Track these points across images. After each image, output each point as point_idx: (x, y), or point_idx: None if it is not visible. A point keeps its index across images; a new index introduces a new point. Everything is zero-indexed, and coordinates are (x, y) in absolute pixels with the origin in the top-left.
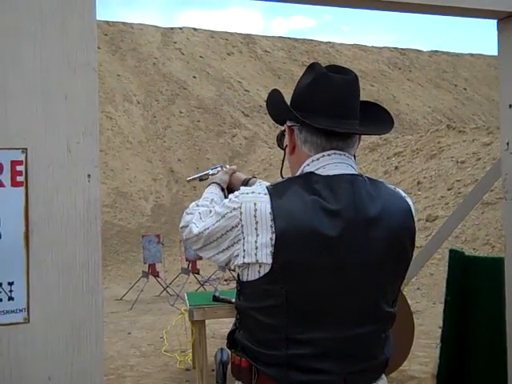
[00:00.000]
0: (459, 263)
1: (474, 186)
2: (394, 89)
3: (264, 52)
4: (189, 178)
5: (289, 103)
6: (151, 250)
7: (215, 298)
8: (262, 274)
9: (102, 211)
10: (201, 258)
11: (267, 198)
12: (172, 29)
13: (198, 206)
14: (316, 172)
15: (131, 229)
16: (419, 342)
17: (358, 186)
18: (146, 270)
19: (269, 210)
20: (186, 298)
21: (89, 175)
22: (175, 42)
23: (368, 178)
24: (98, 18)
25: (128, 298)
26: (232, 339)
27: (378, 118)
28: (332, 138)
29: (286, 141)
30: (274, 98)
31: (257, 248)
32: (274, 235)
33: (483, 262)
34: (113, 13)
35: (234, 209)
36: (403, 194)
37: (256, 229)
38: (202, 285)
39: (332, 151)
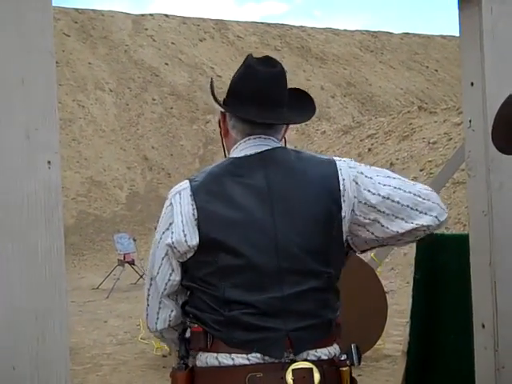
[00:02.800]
0: (427, 241)
1: (444, 165)
2: (366, 71)
3: (236, 37)
4: None
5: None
6: (123, 243)
7: None
8: (195, 249)
9: (76, 201)
10: None
11: (188, 185)
12: (143, 15)
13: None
14: (232, 156)
15: (106, 218)
16: (393, 320)
17: (270, 159)
18: (122, 258)
19: (189, 193)
20: None
21: (49, 162)
22: (146, 29)
23: (293, 150)
24: (67, 5)
25: (104, 286)
26: (184, 310)
27: (303, 106)
28: (256, 126)
29: (221, 125)
30: (211, 90)
31: (183, 225)
32: (195, 211)
33: (450, 240)
34: (83, 1)
35: (168, 205)
36: (335, 159)
37: (181, 211)
38: None
39: (247, 137)
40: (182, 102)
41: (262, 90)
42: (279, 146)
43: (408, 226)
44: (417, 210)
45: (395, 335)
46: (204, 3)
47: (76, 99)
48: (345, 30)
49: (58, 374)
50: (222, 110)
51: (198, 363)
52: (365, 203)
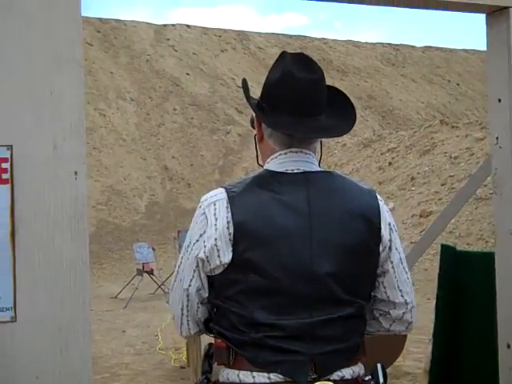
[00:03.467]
0: (451, 258)
1: (467, 180)
2: (387, 85)
3: (258, 48)
4: None
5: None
6: (143, 252)
7: None
8: (225, 266)
9: (96, 209)
10: None
11: (224, 195)
12: (165, 25)
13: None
14: (272, 169)
15: (126, 226)
16: (413, 337)
17: (313, 182)
18: (141, 268)
19: (225, 205)
20: None
21: (75, 172)
22: (168, 39)
23: (331, 172)
24: (90, 15)
25: (123, 295)
26: (208, 326)
27: (343, 114)
28: (295, 137)
29: (256, 129)
30: (244, 90)
31: (216, 239)
32: (231, 226)
33: (474, 257)
34: (106, 10)
35: (201, 214)
36: (370, 189)
37: (215, 224)
38: None
39: (289, 150)
40: (202, 112)
41: (302, 100)
42: (324, 170)
43: (400, 300)
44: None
45: (415, 352)
46: (225, 14)
47: (97, 108)
48: (366, 43)
49: None
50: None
51: (221, 378)
52: (391, 253)
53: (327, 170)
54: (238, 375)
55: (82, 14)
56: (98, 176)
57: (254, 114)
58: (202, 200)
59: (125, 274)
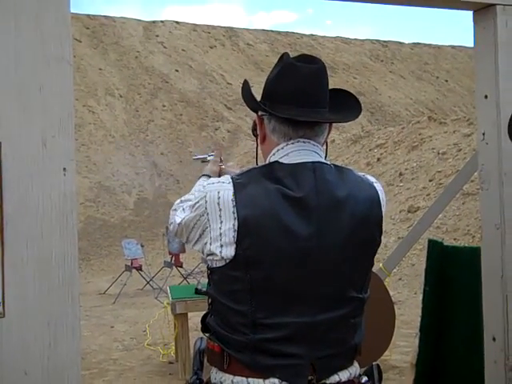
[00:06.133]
0: (438, 253)
1: (454, 176)
2: (376, 81)
3: (247, 45)
4: (194, 157)
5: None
6: (131, 249)
7: (197, 291)
8: (227, 261)
9: (84, 205)
10: (184, 252)
11: (230, 186)
12: (154, 22)
13: (181, 201)
14: (279, 161)
15: (114, 223)
16: (400, 331)
17: (320, 173)
18: (129, 264)
19: (231, 197)
20: (169, 291)
21: (64, 169)
22: (157, 36)
23: (334, 165)
24: (79, 11)
25: (111, 291)
26: (205, 323)
27: (347, 105)
28: (299, 127)
29: (258, 129)
30: (245, 90)
31: (221, 234)
32: (236, 222)
33: (461, 252)
34: (94, 7)
35: (201, 198)
36: (372, 180)
37: (220, 216)
38: (185, 278)
39: (296, 140)
40: (191, 108)
41: (303, 89)
42: (326, 162)
43: None
44: None
45: (402, 346)
46: (214, 11)
47: (86, 105)
48: (355, 39)
49: (70, 380)
50: (259, 113)
51: (213, 380)
52: None
53: (334, 163)
54: (232, 381)
55: (71, 11)
56: (86, 172)
57: (255, 119)
58: (206, 185)
59: (113, 270)
